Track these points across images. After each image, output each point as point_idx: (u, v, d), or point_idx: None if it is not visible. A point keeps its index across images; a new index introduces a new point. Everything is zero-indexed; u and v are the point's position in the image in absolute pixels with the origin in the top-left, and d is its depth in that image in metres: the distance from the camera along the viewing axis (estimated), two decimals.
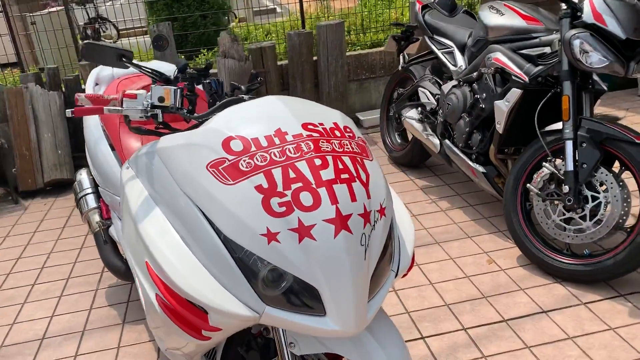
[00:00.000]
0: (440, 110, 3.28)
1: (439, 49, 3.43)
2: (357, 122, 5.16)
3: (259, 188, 1.35)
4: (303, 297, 1.35)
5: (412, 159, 3.91)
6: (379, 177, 1.53)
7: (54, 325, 2.63)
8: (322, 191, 1.36)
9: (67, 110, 1.61)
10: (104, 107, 1.63)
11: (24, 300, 2.86)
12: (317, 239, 1.32)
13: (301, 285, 1.34)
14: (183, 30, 5.72)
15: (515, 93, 2.63)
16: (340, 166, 1.42)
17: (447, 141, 3.26)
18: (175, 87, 1.69)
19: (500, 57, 2.74)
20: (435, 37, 3.48)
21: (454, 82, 3.23)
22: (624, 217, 2.40)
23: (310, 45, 4.66)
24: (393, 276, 1.52)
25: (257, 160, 1.39)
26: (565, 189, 2.45)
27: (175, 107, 1.68)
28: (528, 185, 2.60)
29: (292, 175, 1.37)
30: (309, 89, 4.71)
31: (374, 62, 5.09)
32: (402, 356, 1.52)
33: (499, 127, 2.74)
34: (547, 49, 2.67)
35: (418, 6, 3.67)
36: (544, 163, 2.56)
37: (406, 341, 2.26)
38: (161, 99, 1.67)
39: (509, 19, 2.80)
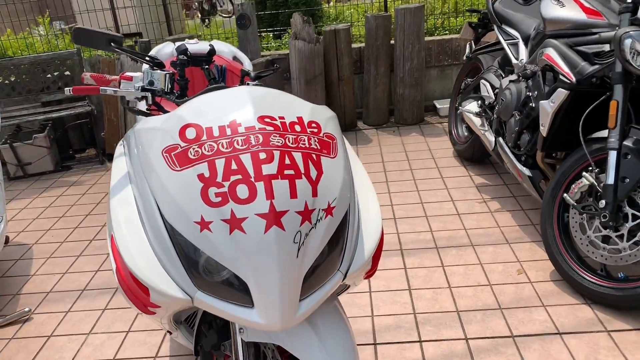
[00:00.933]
0: (497, 106, 3.09)
1: (505, 40, 3.21)
2: (435, 110, 5.00)
3: (200, 177, 1.39)
4: (234, 288, 1.38)
5: (474, 153, 3.73)
6: (336, 175, 1.50)
7: (96, 279, 2.90)
8: (260, 185, 1.37)
9: (65, 89, 1.75)
10: (100, 87, 1.75)
11: (79, 253, 3.18)
12: (247, 232, 1.34)
13: (234, 276, 1.38)
14: (274, 9, 5.84)
15: (560, 94, 2.41)
16: (287, 162, 1.42)
17: (500, 139, 3.07)
18: (166, 72, 1.77)
19: (552, 53, 2.50)
20: (503, 26, 3.26)
21: (513, 77, 3.01)
22: None
23: (388, 28, 4.56)
24: (340, 277, 1.49)
25: (205, 149, 1.43)
26: (602, 203, 2.22)
27: (162, 91, 1.76)
28: (565, 195, 2.39)
29: (233, 167, 1.39)
30: (382, 73, 4.63)
31: (457, 48, 4.87)
32: (342, 355, 1.51)
33: (543, 129, 2.53)
34: (607, 47, 2.40)
35: None
36: (584, 173, 2.33)
37: (401, 342, 2.22)
38: (151, 83, 1.76)
39: (569, 11, 2.54)
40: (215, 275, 1.39)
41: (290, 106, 1.57)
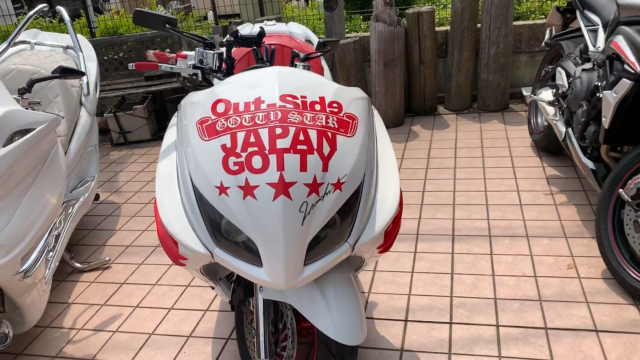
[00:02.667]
0: (568, 95, 2.97)
1: (585, 26, 3.05)
2: (522, 98, 4.83)
3: (223, 147, 1.56)
4: (247, 249, 1.54)
5: (549, 144, 3.60)
6: (351, 153, 1.60)
7: None
8: (272, 157, 1.51)
9: (129, 64, 1.99)
10: (158, 64, 1.97)
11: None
12: (258, 198, 1.49)
13: (248, 239, 1.53)
14: None
15: (624, 84, 2.29)
16: (301, 138, 1.54)
17: (569, 130, 2.96)
18: (215, 51, 1.94)
19: (620, 41, 2.37)
20: (586, 11, 3.10)
21: (588, 66, 2.88)
22: None
23: (475, 12, 4.46)
24: (347, 248, 1.60)
25: (230, 122, 1.59)
26: None
27: (211, 69, 1.94)
28: (620, 190, 2.29)
29: (252, 139, 1.54)
30: (466, 57, 4.54)
31: None
32: (347, 322, 1.62)
33: (605, 120, 2.42)
34: None
35: None
36: None
37: (432, 322, 2.27)
38: (201, 61, 1.95)
39: None
40: (234, 236, 1.56)
41: (315, 87, 1.69)
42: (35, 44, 3.44)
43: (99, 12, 7.64)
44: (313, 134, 1.56)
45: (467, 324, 2.25)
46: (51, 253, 2.52)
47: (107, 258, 3.01)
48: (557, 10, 3.65)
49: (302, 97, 1.64)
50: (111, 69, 5.12)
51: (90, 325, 2.52)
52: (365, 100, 1.82)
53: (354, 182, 1.59)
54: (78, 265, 2.97)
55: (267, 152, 1.51)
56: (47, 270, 2.43)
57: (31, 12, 3.41)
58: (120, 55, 5.08)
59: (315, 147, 1.55)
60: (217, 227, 1.57)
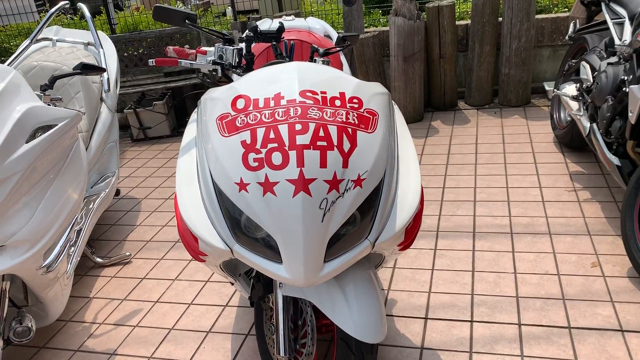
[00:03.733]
0: (593, 89, 2.91)
1: (611, 18, 2.99)
2: (544, 92, 4.76)
3: (243, 143, 1.55)
4: (267, 245, 1.53)
5: (572, 139, 3.53)
6: (371, 149, 1.58)
7: None
8: (292, 154, 1.49)
9: (149, 60, 1.99)
10: (178, 60, 1.97)
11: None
12: (278, 195, 1.48)
13: (267, 236, 1.52)
14: None
15: None
16: (321, 134, 1.53)
17: (594, 125, 2.90)
18: (234, 47, 1.93)
19: None
20: (611, 4, 3.03)
21: (613, 59, 2.81)
22: None
23: (496, 5, 4.39)
24: (368, 245, 1.58)
25: (250, 118, 1.58)
26: None
27: (230, 64, 1.93)
28: None
29: (271, 135, 1.53)
30: (487, 51, 4.48)
31: None
32: (367, 320, 1.60)
33: (632, 116, 2.36)
34: None
35: None
36: None
37: (452, 320, 2.25)
38: (221, 57, 1.94)
39: None
40: (253, 233, 1.55)
41: (335, 82, 1.67)
42: (57, 40, 3.47)
43: (119, 9, 7.70)
44: (333, 130, 1.55)
45: (488, 322, 2.22)
46: (73, 248, 2.55)
47: (127, 253, 3.03)
48: (581, 3, 3.57)
49: (322, 92, 1.62)
50: (131, 65, 5.16)
51: (111, 320, 2.54)
52: (386, 95, 1.79)
53: (374, 179, 1.58)
54: (99, 260, 3.00)
55: (286, 148, 1.50)
56: (69, 265, 2.45)
57: (53, 10, 3.44)
58: (140, 51, 5.11)
59: (335, 143, 1.53)
60: (236, 223, 1.57)
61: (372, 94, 1.73)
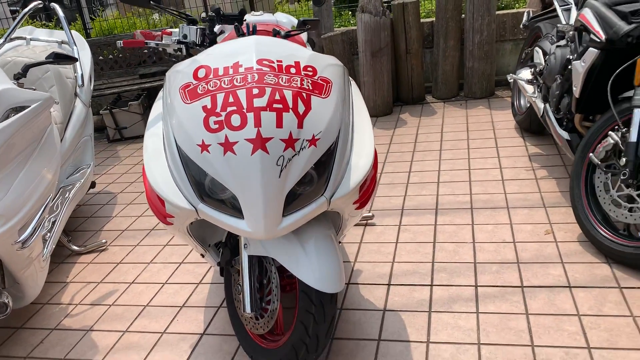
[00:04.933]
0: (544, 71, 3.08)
1: (560, 6, 3.17)
2: (508, 85, 4.95)
3: (204, 108, 1.67)
4: (230, 203, 1.64)
5: (531, 123, 3.71)
6: (325, 113, 1.71)
7: None
8: (250, 115, 1.61)
9: (117, 42, 2.10)
10: (145, 41, 2.08)
11: None
12: (237, 153, 1.59)
13: (230, 194, 1.63)
14: None
15: (591, 53, 2.40)
16: (277, 97, 1.65)
17: (547, 105, 3.06)
18: (197, 27, 2.05)
19: (587, 13, 2.49)
20: None
21: (562, 42, 2.99)
22: None
23: (458, 1, 4.58)
24: (324, 201, 1.70)
25: (210, 85, 1.70)
26: (623, 161, 2.21)
27: (193, 43, 2.05)
28: (591, 154, 2.39)
29: (230, 100, 1.65)
30: (452, 46, 4.66)
31: None
32: (326, 272, 1.72)
33: (575, 89, 2.53)
34: None
35: None
36: (609, 132, 2.32)
37: (413, 285, 2.37)
38: (185, 36, 2.06)
39: None
40: (217, 194, 1.66)
41: (291, 52, 1.80)
42: (30, 39, 3.55)
43: (95, 16, 7.78)
44: (288, 94, 1.67)
45: (447, 285, 2.35)
46: (49, 234, 2.62)
47: (103, 240, 3.11)
48: None
49: (278, 61, 1.75)
50: (106, 68, 5.24)
51: (87, 301, 2.62)
52: (340, 67, 1.92)
53: (328, 139, 1.70)
54: (75, 248, 3.07)
55: (245, 110, 1.62)
56: (45, 249, 2.53)
57: (26, 9, 3.53)
58: (115, 54, 5.20)
59: (290, 106, 1.65)
60: (201, 186, 1.67)
61: (326, 64, 1.86)
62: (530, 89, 3.35)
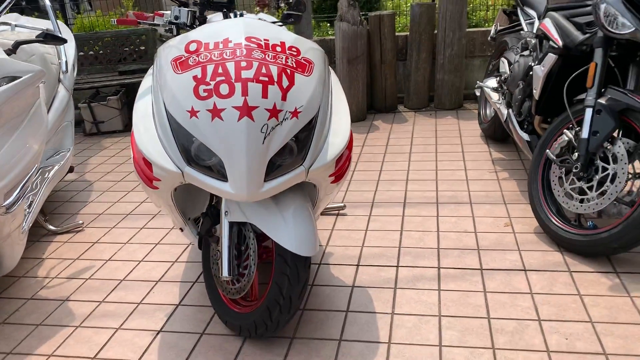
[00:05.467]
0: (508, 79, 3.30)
1: (525, 20, 3.41)
2: (475, 97, 5.20)
3: (194, 78, 1.80)
4: (215, 168, 1.77)
5: (495, 131, 3.93)
6: (306, 89, 1.86)
7: (140, 207, 3.40)
8: (238, 85, 1.75)
9: (111, 20, 2.22)
10: (138, 20, 2.21)
11: (130, 189, 3.70)
12: (225, 119, 1.72)
13: (216, 159, 1.76)
14: None
15: (550, 58, 2.62)
16: (263, 71, 1.79)
17: (510, 110, 3.28)
18: (188, 9, 2.19)
19: (548, 23, 2.72)
20: (525, 8, 3.47)
21: (526, 52, 3.22)
22: (632, 192, 2.30)
23: (432, 17, 4.83)
24: (302, 170, 1.84)
25: (201, 58, 1.83)
26: (576, 155, 2.42)
27: (184, 24, 2.19)
28: (547, 151, 2.59)
29: (219, 71, 1.78)
30: (423, 58, 4.90)
31: None
32: (302, 237, 1.84)
33: (535, 92, 2.75)
34: None
35: None
36: (564, 130, 2.53)
37: (380, 266, 2.51)
38: (176, 17, 2.19)
39: None
40: (203, 160, 1.78)
41: (277, 34, 1.95)
42: (15, 25, 3.62)
43: (78, 12, 7.83)
44: (274, 69, 1.81)
45: (412, 266, 2.50)
46: (28, 209, 2.68)
47: (80, 222, 3.17)
48: (503, 13, 4.03)
49: (265, 39, 1.89)
50: (86, 64, 5.31)
51: (63, 275, 2.68)
52: (321, 52, 2.08)
53: (308, 113, 1.84)
54: (52, 227, 3.12)
55: (233, 80, 1.76)
56: (24, 222, 2.59)
57: None
58: (96, 49, 5.27)
59: (275, 80, 1.80)
60: (188, 152, 1.79)
61: (309, 47, 2.01)
62: (495, 96, 3.57)
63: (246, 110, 1.72)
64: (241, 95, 1.73)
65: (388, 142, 4.25)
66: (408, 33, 5.08)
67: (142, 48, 5.30)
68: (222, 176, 1.76)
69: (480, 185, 3.31)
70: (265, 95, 1.76)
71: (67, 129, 3.46)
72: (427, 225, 2.87)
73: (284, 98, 1.79)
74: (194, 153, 1.80)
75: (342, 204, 3.12)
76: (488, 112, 4.17)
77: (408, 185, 3.40)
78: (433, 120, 4.74)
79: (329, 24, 6.08)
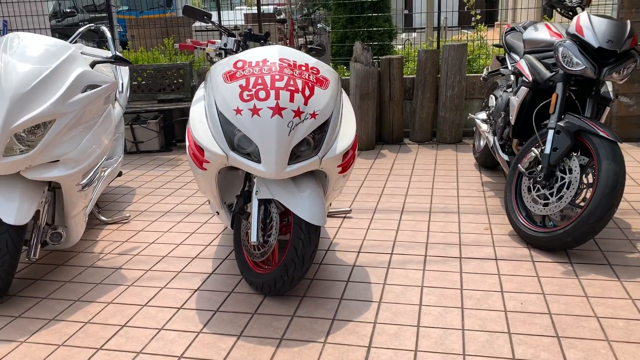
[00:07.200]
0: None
1: (510, 63, 4.03)
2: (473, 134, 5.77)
3: (240, 86, 2.41)
4: (252, 153, 2.35)
5: (486, 159, 4.49)
6: (323, 98, 2.46)
7: (179, 206, 3.98)
8: (272, 92, 2.36)
9: (174, 44, 2.87)
10: (195, 46, 2.85)
11: (169, 194, 4.29)
12: (261, 116, 2.32)
13: (253, 147, 2.35)
14: (353, 41, 6.95)
15: (522, 91, 3.22)
16: (291, 83, 2.40)
17: (495, 137, 3.86)
18: (235, 39, 2.83)
19: (522, 63, 3.33)
20: (511, 53, 4.09)
21: (510, 90, 3.82)
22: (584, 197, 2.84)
23: (436, 62, 5.49)
24: (317, 159, 2.42)
25: (245, 72, 2.45)
26: (539, 167, 2.97)
27: (231, 50, 2.83)
28: (519, 165, 3.15)
29: (259, 81, 2.40)
30: (428, 98, 5.53)
31: None
32: (315, 210, 2.40)
33: (511, 118, 3.33)
34: None
35: (505, 28, 4.30)
36: (532, 148, 3.09)
37: (377, 253, 3.05)
38: (225, 45, 2.83)
39: (539, 34, 3.37)
40: (243, 149, 2.37)
41: (302, 57, 2.57)
42: (81, 52, 4.32)
43: (123, 46, 8.64)
44: (299, 82, 2.42)
45: (403, 254, 3.03)
46: (91, 196, 3.28)
47: (127, 215, 3.76)
48: (496, 59, 4.66)
49: (293, 61, 2.51)
50: (130, 92, 6.00)
51: (115, 252, 3.24)
52: (335, 74, 2.69)
53: (324, 116, 2.44)
54: (103, 218, 3.71)
55: (269, 88, 2.37)
56: (88, 206, 3.18)
57: (82, 29, 4.32)
58: (139, 80, 5.99)
59: (300, 89, 2.40)
60: (231, 141, 2.39)
61: (326, 69, 2.63)
62: (484, 126, 4.15)
63: (277, 110, 2.32)
64: (274, 99, 2.34)
65: (392, 166, 4.83)
66: (415, 75, 5.73)
67: (180, 80, 6.00)
68: (256, 159, 2.35)
69: (469, 200, 3.85)
70: (292, 100, 2.36)
71: (119, 140, 4.10)
72: (420, 227, 3.40)
73: (305, 103, 2.39)
74: (236, 143, 2.39)
75: (348, 209, 3.67)
76: (481, 143, 4.74)
77: (406, 198, 3.95)
78: (434, 151, 5.32)
79: (345, 67, 6.77)
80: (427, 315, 2.41)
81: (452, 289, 2.63)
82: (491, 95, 4.18)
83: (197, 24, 7.93)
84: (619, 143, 2.76)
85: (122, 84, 4.16)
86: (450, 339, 2.23)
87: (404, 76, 5.69)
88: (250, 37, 2.94)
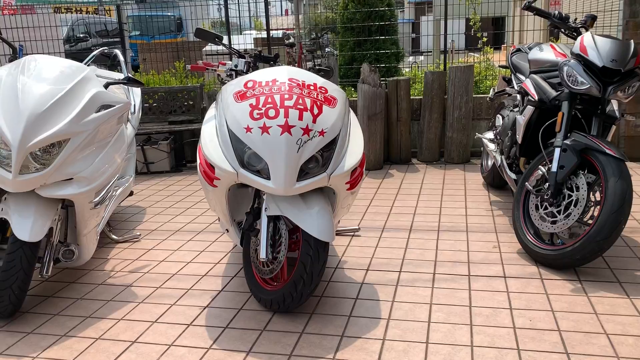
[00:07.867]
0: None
1: (516, 83, 4.08)
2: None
3: (250, 105, 2.46)
4: (261, 170, 2.40)
5: (493, 178, 4.51)
6: (331, 116, 2.51)
7: (187, 226, 4.02)
8: (281, 110, 2.41)
9: (186, 66, 2.94)
10: (206, 67, 2.92)
11: (178, 213, 4.33)
12: (271, 134, 2.37)
13: (263, 164, 2.39)
14: (360, 64, 7.04)
15: (528, 110, 3.25)
16: (300, 101, 2.45)
17: (502, 157, 3.88)
18: (245, 60, 2.90)
19: (528, 82, 3.37)
20: (517, 74, 4.14)
21: (516, 109, 3.86)
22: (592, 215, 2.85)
23: (443, 83, 5.55)
24: (325, 176, 2.46)
25: (256, 91, 2.51)
26: (546, 186, 2.99)
27: (241, 71, 2.89)
28: (526, 183, 3.17)
29: (269, 100, 2.45)
30: (435, 118, 5.57)
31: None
32: (324, 227, 2.43)
33: (518, 137, 3.35)
34: None
35: (511, 50, 4.35)
36: (539, 166, 3.11)
37: (386, 271, 3.06)
38: (236, 66, 2.90)
39: (544, 54, 3.42)
40: (253, 166, 2.42)
41: (311, 77, 2.63)
42: (95, 74, 4.41)
43: (135, 70, 8.79)
44: (308, 101, 2.48)
45: (412, 272, 3.04)
46: (103, 214, 3.32)
47: (137, 233, 3.80)
48: (503, 79, 4.71)
49: (302, 80, 2.57)
50: (142, 114, 6.10)
51: (126, 270, 3.27)
52: (343, 93, 2.74)
53: (332, 134, 2.48)
54: (114, 237, 3.75)
55: (278, 107, 2.42)
56: (99, 224, 3.22)
57: (95, 52, 4.43)
58: (150, 102, 6.09)
59: (308, 108, 2.45)
60: (242, 159, 2.44)
61: (334, 88, 2.68)
62: (492, 146, 4.18)
63: (287, 128, 2.37)
64: (284, 117, 2.39)
65: (401, 185, 4.85)
66: (422, 96, 5.79)
67: (191, 102, 6.09)
68: (266, 176, 2.39)
69: (477, 219, 3.86)
70: (300, 118, 2.41)
71: (131, 160, 4.16)
72: (428, 245, 3.41)
73: (314, 121, 2.44)
74: (246, 160, 2.44)
75: (357, 227, 3.70)
76: (489, 163, 4.77)
77: (415, 217, 3.97)
78: (442, 171, 5.35)
79: (353, 88, 6.86)
80: (436, 332, 2.42)
81: (460, 306, 2.63)
82: (498, 115, 4.21)
83: (208, 47, 8.09)
84: (625, 161, 2.78)
85: (134, 105, 4.25)
86: (459, 355, 2.23)
87: (411, 97, 5.75)
88: (260, 58, 3.01)
